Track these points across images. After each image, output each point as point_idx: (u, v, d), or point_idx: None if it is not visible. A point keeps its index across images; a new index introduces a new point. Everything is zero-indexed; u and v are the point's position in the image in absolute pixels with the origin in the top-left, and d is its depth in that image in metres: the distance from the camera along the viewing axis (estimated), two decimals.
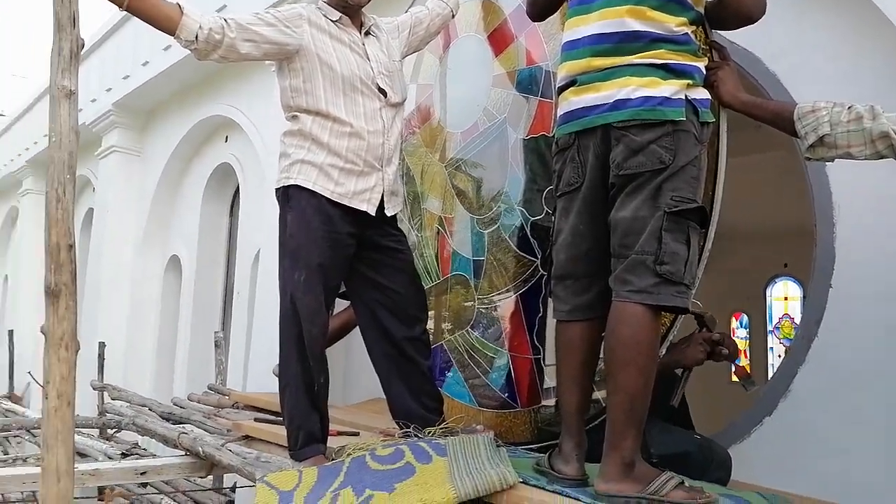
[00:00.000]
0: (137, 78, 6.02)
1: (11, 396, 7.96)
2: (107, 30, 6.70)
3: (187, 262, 6.02)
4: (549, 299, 2.09)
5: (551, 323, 2.08)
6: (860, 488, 1.95)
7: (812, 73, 2.19)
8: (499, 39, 2.40)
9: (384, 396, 2.15)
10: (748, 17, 1.60)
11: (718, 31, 1.78)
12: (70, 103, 1.52)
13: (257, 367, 3.82)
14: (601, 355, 1.64)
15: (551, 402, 2.07)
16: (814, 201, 2.15)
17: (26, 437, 4.69)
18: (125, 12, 1.79)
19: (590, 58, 1.61)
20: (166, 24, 1.80)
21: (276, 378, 2.97)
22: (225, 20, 1.89)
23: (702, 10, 1.62)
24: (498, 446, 1.81)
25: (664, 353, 2.13)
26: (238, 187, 5.55)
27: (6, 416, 5.47)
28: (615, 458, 1.48)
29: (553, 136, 1.82)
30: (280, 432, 2.35)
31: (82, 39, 1.58)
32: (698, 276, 1.63)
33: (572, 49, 1.66)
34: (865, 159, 1.44)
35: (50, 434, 1.46)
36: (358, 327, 2.23)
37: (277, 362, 3.03)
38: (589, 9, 1.63)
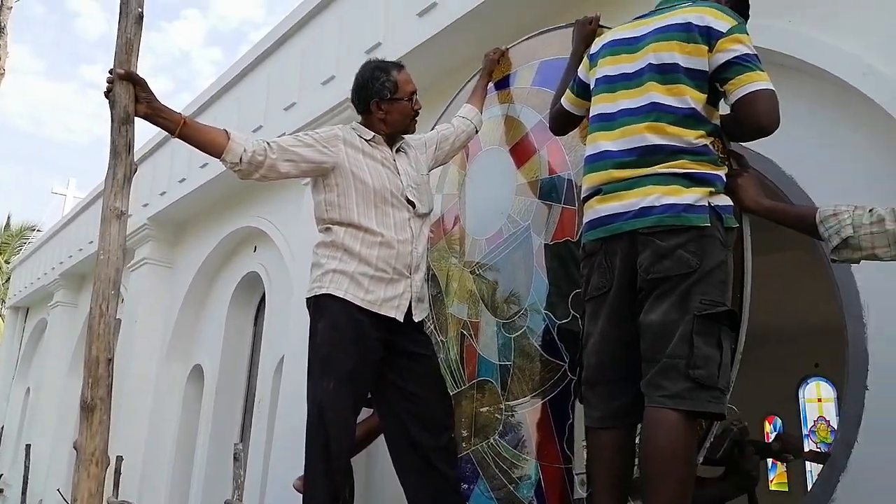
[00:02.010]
0: (173, 194, 6.30)
1: None
2: (146, 150, 7.11)
3: (209, 372, 6.01)
4: (578, 405, 2.05)
5: (580, 429, 2.03)
6: None
7: (829, 176, 2.24)
8: (521, 151, 2.52)
9: None
10: (761, 131, 1.65)
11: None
12: (120, 223, 1.62)
13: (276, 481, 3.71)
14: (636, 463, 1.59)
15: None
16: (842, 302, 2.14)
17: None
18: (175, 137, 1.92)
19: (612, 170, 1.68)
20: (213, 149, 1.94)
21: (295, 491, 2.89)
22: (267, 143, 2.02)
23: (718, 123, 1.70)
24: None
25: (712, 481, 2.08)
26: (264, 295, 5.63)
27: None
28: None
29: (577, 242, 1.87)
30: None
31: (136, 165, 1.70)
32: (732, 380, 1.61)
33: (596, 161, 1.74)
34: (891, 260, 1.46)
35: None
36: (383, 435, 2.20)
37: (297, 476, 2.96)
38: (611, 126, 1.72)
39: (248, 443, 4.97)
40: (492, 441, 2.33)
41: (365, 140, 2.15)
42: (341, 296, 1.98)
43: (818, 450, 2.21)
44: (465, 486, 2.36)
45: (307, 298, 2.07)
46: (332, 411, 1.91)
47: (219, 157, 1.95)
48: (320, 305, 2.01)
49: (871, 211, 1.47)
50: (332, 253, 2.05)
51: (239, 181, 5.40)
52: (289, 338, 4.19)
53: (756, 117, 1.60)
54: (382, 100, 2.16)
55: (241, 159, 1.95)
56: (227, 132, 1.95)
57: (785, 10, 2.39)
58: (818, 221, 1.54)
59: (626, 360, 1.63)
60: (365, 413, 3.04)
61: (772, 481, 7.46)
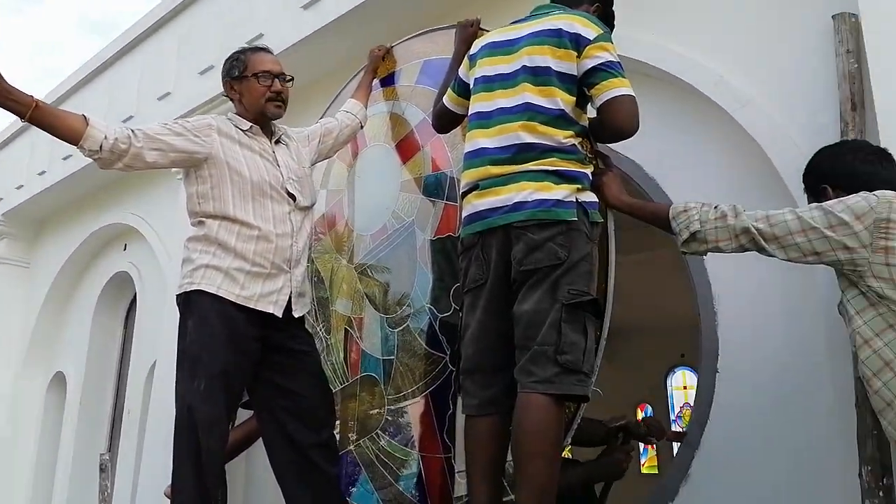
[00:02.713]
0: (32, 187, 5.79)
1: None
2: (1, 140, 6.48)
3: (73, 380, 5.57)
4: (459, 396, 2.10)
5: (461, 423, 2.08)
6: None
7: (686, 178, 2.45)
8: (406, 148, 2.54)
9: None
10: (621, 134, 1.76)
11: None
12: None
13: (147, 492, 3.51)
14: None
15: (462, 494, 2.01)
16: (696, 293, 2.34)
17: None
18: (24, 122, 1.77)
19: (489, 166, 1.74)
20: (70, 135, 1.80)
21: (168, 500, 2.75)
22: (132, 130, 1.91)
23: (586, 125, 1.81)
24: None
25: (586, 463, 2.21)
26: (135, 297, 5.30)
27: None
28: None
29: (458, 237, 1.92)
30: None
31: None
32: (597, 365, 1.71)
33: (474, 158, 1.79)
34: (732, 251, 1.61)
35: None
36: (261, 437, 2.13)
37: (170, 482, 2.82)
38: (488, 124, 1.78)
39: (117, 454, 4.66)
40: (375, 437, 2.33)
41: (241, 130, 2.08)
42: (214, 292, 1.90)
43: (679, 431, 2.46)
44: (349, 484, 2.34)
45: (177, 295, 1.97)
46: (203, 413, 1.82)
47: (76, 145, 1.82)
48: (191, 302, 1.92)
49: (716, 207, 1.62)
50: (205, 247, 1.97)
51: (108, 174, 5.11)
52: (162, 342, 3.97)
53: (617, 121, 1.71)
54: (233, 79, 2.13)
55: (101, 147, 1.83)
56: (85, 117, 1.82)
57: (650, 23, 2.57)
58: (670, 217, 1.67)
59: (502, 350, 1.69)
60: (244, 416, 2.94)
61: (643, 465, 8.00)
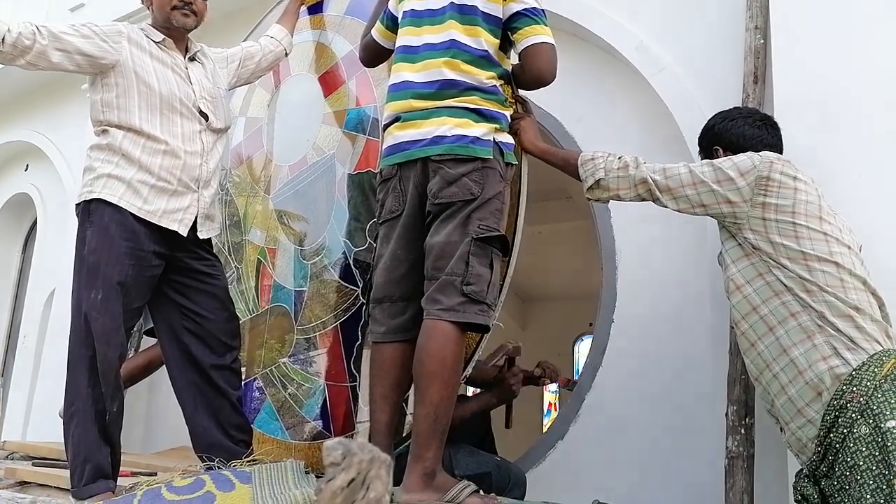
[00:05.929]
0: None
1: None
2: None
3: None
4: (368, 327, 2.15)
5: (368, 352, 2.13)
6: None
7: (602, 135, 2.56)
8: (330, 80, 2.50)
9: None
10: (540, 81, 1.80)
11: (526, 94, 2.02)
12: None
13: (41, 416, 3.40)
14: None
15: (365, 421, 2.07)
16: (601, 247, 2.47)
17: None
18: None
19: (411, 100, 1.76)
20: None
21: (62, 421, 2.68)
22: (37, 27, 1.83)
23: (508, 69, 1.85)
24: (307, 472, 1.79)
25: (483, 392, 2.32)
26: (36, 221, 5.01)
27: None
28: (417, 468, 1.54)
29: (378, 171, 1.94)
30: (63, 475, 2.11)
31: None
32: (500, 300, 1.79)
33: (397, 91, 1.81)
34: (630, 200, 1.72)
35: None
36: (164, 360, 2.11)
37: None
38: (414, 59, 1.80)
39: (10, 378, 4.47)
40: (282, 366, 2.35)
41: (154, 42, 2.01)
42: (115, 202, 1.85)
43: (574, 379, 2.62)
44: (254, 411, 2.36)
45: (76, 204, 1.90)
46: (99, 322, 1.78)
47: None
48: (91, 211, 1.86)
49: (619, 158, 1.72)
50: (108, 157, 1.90)
51: (8, 86, 4.73)
52: (62, 267, 3.80)
53: (536, 66, 1.76)
54: None
55: (3, 39, 1.74)
56: None
57: None
58: (579, 164, 1.76)
59: (412, 280, 1.74)
60: (146, 345, 2.88)
61: (546, 426, 8.39)
